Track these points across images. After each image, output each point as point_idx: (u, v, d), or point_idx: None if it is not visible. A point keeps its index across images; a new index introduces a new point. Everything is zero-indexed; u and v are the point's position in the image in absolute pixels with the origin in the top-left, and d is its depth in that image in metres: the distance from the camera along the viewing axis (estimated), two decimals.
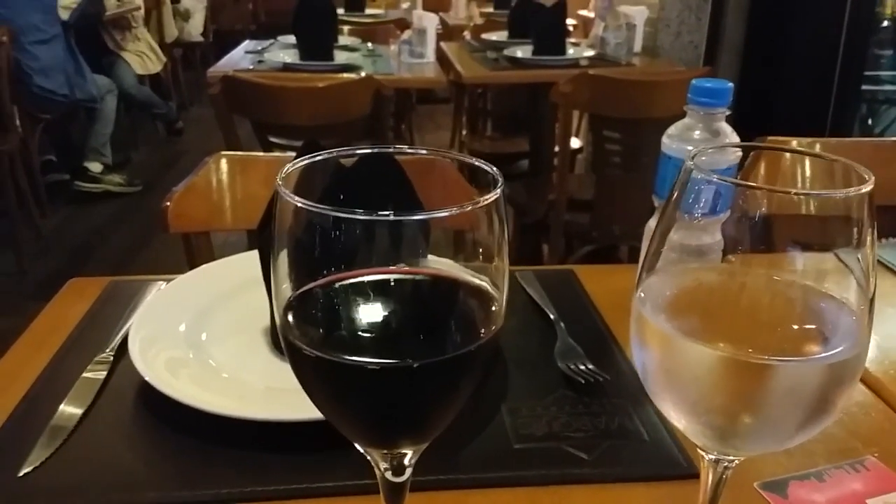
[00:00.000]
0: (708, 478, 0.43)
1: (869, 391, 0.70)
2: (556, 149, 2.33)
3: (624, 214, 2.18)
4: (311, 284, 0.36)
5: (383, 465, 0.40)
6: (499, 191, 0.35)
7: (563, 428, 0.63)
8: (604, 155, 2.31)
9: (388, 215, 0.32)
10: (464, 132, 4.12)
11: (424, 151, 0.41)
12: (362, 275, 0.36)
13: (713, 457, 0.42)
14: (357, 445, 0.39)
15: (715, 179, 0.36)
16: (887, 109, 3.17)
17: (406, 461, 0.40)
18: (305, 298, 0.36)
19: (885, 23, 3.08)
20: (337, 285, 0.36)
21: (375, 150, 0.41)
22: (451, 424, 0.38)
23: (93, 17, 3.97)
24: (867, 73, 2.85)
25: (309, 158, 0.38)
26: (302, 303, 0.36)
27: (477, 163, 0.38)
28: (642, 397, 0.65)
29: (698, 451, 0.42)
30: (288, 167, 0.37)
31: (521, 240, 2.64)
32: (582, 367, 0.70)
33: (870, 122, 3.10)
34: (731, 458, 0.41)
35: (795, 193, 0.34)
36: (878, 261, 0.94)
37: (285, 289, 0.36)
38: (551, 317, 0.80)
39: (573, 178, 2.73)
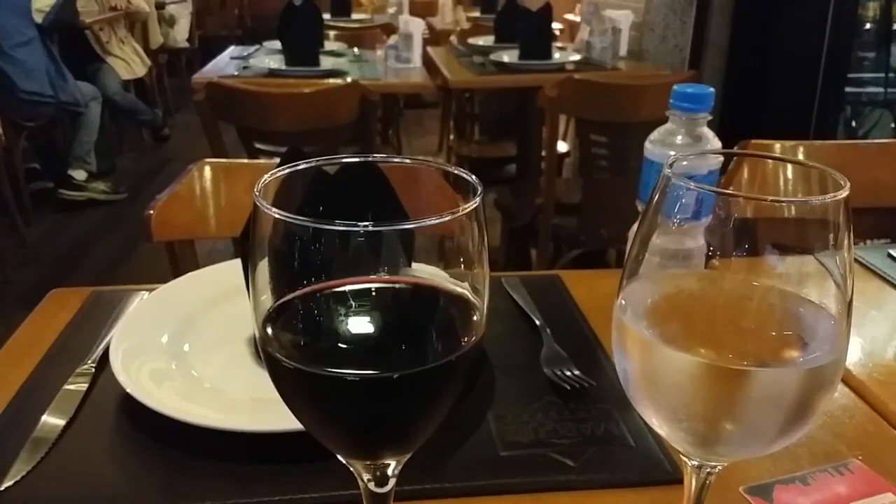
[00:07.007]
0: (691, 483, 0.43)
1: (853, 394, 0.70)
2: (544, 153, 2.33)
3: (611, 218, 2.19)
4: (291, 295, 0.36)
5: (366, 476, 0.40)
6: (478, 199, 0.35)
7: (550, 434, 0.63)
8: (591, 159, 2.31)
9: (365, 226, 0.32)
10: (451, 137, 4.13)
11: (409, 161, 0.40)
12: (342, 285, 0.36)
13: (695, 463, 0.42)
14: (339, 457, 0.39)
15: (691, 186, 0.36)
16: (871, 112, 3.19)
17: (389, 472, 0.40)
18: (285, 310, 0.36)
19: (868, 25, 3.11)
20: (316, 296, 0.36)
21: (358, 159, 0.41)
22: (436, 433, 0.38)
23: (68, 26, 3.94)
24: (850, 75, 2.88)
25: (288, 168, 0.37)
26: (281, 314, 0.36)
27: (456, 171, 0.38)
28: (627, 403, 0.65)
29: (681, 456, 0.42)
30: (266, 177, 0.36)
31: (509, 244, 2.64)
32: (568, 374, 0.70)
33: (853, 123, 3.13)
34: (714, 463, 0.41)
35: (772, 200, 0.34)
36: (863, 264, 0.95)
37: (264, 300, 0.36)
38: (537, 323, 0.79)
39: (561, 181, 2.74)
